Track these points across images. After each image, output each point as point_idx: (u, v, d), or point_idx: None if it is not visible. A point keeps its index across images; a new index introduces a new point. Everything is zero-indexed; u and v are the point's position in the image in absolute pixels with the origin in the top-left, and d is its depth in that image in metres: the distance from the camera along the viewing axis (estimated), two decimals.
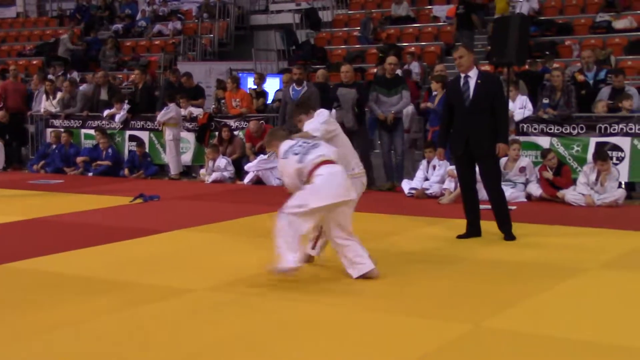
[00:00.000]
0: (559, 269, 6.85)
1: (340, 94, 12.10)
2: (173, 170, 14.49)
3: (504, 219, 8.15)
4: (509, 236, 8.07)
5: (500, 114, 8.09)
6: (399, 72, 14.21)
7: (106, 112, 15.63)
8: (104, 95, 16.21)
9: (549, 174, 10.90)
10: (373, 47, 19.09)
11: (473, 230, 8.20)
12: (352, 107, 12.01)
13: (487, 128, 8.00)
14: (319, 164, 6.35)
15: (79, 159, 15.39)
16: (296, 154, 6.44)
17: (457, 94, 8.14)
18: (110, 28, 24.58)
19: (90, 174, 15.04)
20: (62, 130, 16.01)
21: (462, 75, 8.13)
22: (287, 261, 6.24)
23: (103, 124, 15.68)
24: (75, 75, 19.39)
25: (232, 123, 14.43)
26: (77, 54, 22.38)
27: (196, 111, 14.76)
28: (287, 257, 6.24)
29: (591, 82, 12.27)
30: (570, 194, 10.64)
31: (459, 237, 8.18)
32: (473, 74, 8.08)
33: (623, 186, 10.91)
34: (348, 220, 6.46)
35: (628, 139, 11.21)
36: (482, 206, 8.36)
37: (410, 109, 12.88)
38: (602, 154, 10.69)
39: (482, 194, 8.47)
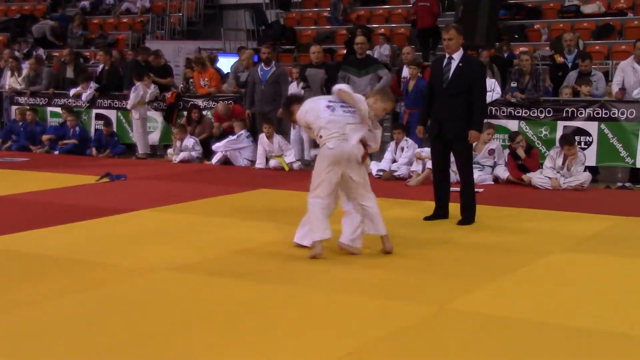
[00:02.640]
0: (524, 251, 6.89)
1: (309, 75, 12.05)
2: (140, 150, 14.37)
3: (468, 204, 8.14)
4: (464, 221, 8.02)
5: (477, 100, 7.97)
6: (369, 52, 14.22)
7: (72, 91, 15.42)
8: (70, 73, 15.99)
9: (522, 152, 10.91)
10: (343, 28, 19.02)
11: (440, 213, 8.21)
12: (321, 88, 11.95)
13: (462, 112, 7.90)
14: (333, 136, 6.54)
15: (45, 137, 15.21)
16: (329, 106, 6.65)
17: (438, 74, 8.09)
18: (77, 5, 24.21)
19: (56, 153, 14.88)
20: (27, 107, 15.79)
21: (447, 55, 8.07)
22: (313, 239, 6.53)
23: (69, 102, 15.48)
24: (41, 52, 19.10)
25: (200, 102, 14.31)
26: (55, 30, 21.95)
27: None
28: (314, 235, 6.53)
29: (570, 64, 12.32)
30: (537, 177, 10.71)
31: (426, 218, 8.19)
32: (457, 56, 7.98)
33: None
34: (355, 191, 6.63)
35: (595, 124, 11.29)
36: (452, 189, 8.38)
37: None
38: (568, 138, 10.77)
39: (454, 177, 8.50)
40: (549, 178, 10.56)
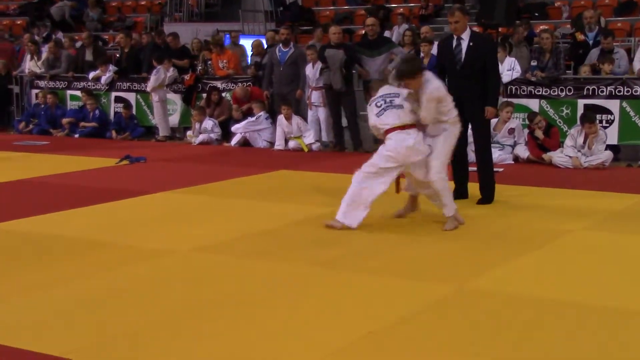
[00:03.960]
0: (544, 230, 6.86)
1: (328, 56, 12.00)
2: (161, 132, 14.41)
3: (487, 183, 8.13)
4: (484, 200, 8.04)
5: (491, 76, 8.01)
6: (387, 33, 14.18)
7: (92, 75, 15.46)
8: (89, 56, 16.02)
9: (540, 133, 10.86)
10: (361, 9, 18.92)
11: (460, 192, 8.18)
12: (340, 69, 11.92)
13: (479, 91, 7.95)
14: (391, 129, 6.77)
15: (65, 121, 15.26)
16: (378, 106, 6.90)
17: (450, 56, 8.05)
18: None
19: (76, 136, 14.94)
20: (48, 91, 15.85)
21: (455, 37, 8.04)
22: (345, 217, 6.78)
23: (89, 86, 15.53)
24: (60, 35, 19.15)
25: (219, 84, 14.31)
26: (73, 11, 22.00)
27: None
28: (347, 213, 6.78)
29: (591, 42, 12.21)
30: (557, 157, 10.63)
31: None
32: (466, 35, 7.97)
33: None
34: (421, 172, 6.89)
35: (617, 102, 11.19)
36: (471, 168, 8.34)
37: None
38: (590, 116, 10.67)
39: (472, 156, 8.46)
40: (570, 157, 10.48)
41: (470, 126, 8.16)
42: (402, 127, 6.78)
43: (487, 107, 7.96)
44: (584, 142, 10.51)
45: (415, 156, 6.78)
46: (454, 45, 8.02)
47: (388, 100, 6.86)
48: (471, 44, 7.93)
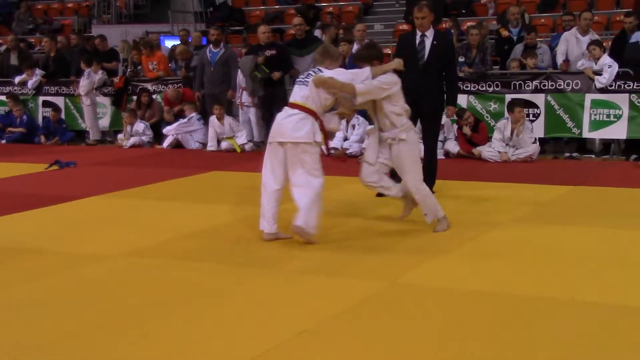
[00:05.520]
0: (474, 223, 6.98)
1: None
2: (92, 136, 14.22)
3: (431, 175, 8.27)
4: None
5: (451, 76, 8.30)
6: (318, 33, 14.23)
7: (18, 79, 15.15)
8: (14, 60, 15.70)
9: (467, 130, 11.07)
10: (292, 8, 18.92)
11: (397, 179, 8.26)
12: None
13: (437, 87, 8.18)
14: (290, 104, 6.41)
15: None
16: (298, 82, 6.54)
17: (411, 51, 8.11)
18: None
19: (3, 142, 14.63)
20: None
21: (419, 33, 8.13)
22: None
23: (15, 90, 15.21)
24: None
25: (149, 86, 14.17)
26: None
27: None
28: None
29: (515, 38, 12.46)
30: (486, 151, 10.84)
31: (379, 195, 8.22)
32: (430, 33, 8.09)
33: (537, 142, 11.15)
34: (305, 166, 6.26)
35: (542, 95, 11.44)
36: None
37: None
38: (517, 101, 10.91)
39: None
40: (499, 152, 10.69)
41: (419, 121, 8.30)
42: (296, 106, 6.34)
43: (450, 107, 8.33)
44: (511, 134, 10.72)
45: (279, 136, 6.30)
46: (417, 42, 8.11)
47: (305, 77, 6.50)
48: (435, 42, 8.07)
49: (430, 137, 8.40)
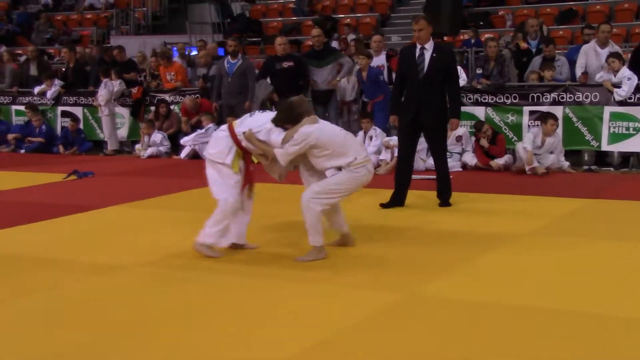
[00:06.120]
0: (492, 236, 6.95)
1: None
2: (110, 146, 14.29)
3: (445, 187, 8.31)
4: (444, 203, 8.26)
5: (453, 88, 8.22)
6: (336, 44, 14.27)
7: (37, 89, 15.27)
8: (33, 70, 15.84)
9: (485, 142, 11.04)
10: (309, 19, 19.00)
11: (397, 200, 8.26)
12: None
13: (438, 100, 8.12)
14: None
15: (11, 136, 15.06)
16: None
17: (412, 64, 8.15)
18: (39, 1, 23.94)
19: (22, 151, 14.73)
20: None
21: (418, 46, 8.13)
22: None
23: (34, 100, 15.32)
24: (3, 49, 18.87)
25: (167, 97, 14.23)
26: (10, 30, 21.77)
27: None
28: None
29: (534, 50, 12.43)
30: (519, 145, 10.81)
31: (382, 205, 8.21)
32: (429, 46, 8.10)
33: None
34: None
35: (560, 108, 11.38)
36: (418, 176, 8.43)
37: (353, 80, 12.66)
38: (548, 115, 10.82)
39: (417, 164, 8.55)
40: (524, 148, 10.55)
41: (423, 135, 8.33)
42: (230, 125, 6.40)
43: (453, 119, 8.22)
44: (542, 144, 10.65)
45: (210, 147, 6.41)
46: (417, 55, 8.11)
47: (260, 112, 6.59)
48: (434, 55, 8.06)
49: (437, 150, 8.40)
